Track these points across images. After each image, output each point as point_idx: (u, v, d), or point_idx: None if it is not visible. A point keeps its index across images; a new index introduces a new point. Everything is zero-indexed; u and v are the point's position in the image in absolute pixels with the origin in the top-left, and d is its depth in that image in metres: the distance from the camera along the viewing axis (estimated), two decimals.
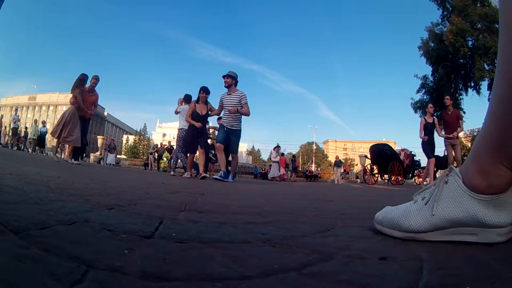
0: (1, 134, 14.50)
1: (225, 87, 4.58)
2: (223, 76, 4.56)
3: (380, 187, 5.73)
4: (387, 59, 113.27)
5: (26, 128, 13.83)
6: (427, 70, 15.55)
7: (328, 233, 0.73)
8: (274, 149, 13.16)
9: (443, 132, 5.66)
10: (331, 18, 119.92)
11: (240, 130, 4.60)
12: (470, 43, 13.27)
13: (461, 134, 5.14)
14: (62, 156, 5.97)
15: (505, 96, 0.54)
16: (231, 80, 4.52)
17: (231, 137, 4.56)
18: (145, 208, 0.99)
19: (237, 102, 4.44)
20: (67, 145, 5.56)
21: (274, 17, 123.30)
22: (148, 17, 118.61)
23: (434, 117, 5.87)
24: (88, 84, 5.54)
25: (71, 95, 5.31)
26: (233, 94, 4.49)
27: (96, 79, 5.67)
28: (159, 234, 0.62)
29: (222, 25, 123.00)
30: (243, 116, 4.57)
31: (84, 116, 5.47)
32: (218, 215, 0.97)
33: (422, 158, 9.55)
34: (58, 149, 6.01)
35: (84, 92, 5.43)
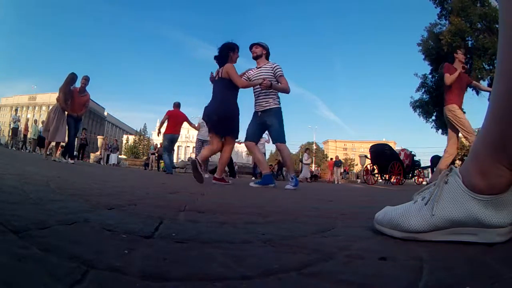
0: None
1: (253, 58, 3.47)
2: (250, 47, 3.47)
3: (380, 187, 5.73)
4: (387, 59, 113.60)
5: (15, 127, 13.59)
6: (427, 69, 15.54)
7: (328, 233, 0.73)
8: (305, 151, 14.56)
9: None
10: (331, 18, 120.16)
11: (279, 109, 3.34)
12: (470, 43, 13.22)
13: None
14: (56, 156, 5.97)
15: (505, 96, 0.54)
16: (261, 50, 3.43)
17: (267, 121, 3.33)
18: (145, 208, 0.99)
19: (270, 75, 3.28)
20: (53, 143, 5.58)
21: (274, 18, 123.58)
22: (148, 18, 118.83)
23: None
24: (78, 85, 5.54)
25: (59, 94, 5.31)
26: (264, 66, 3.38)
27: (86, 79, 5.66)
28: (159, 234, 0.62)
29: (222, 25, 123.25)
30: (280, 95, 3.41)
31: (74, 115, 5.47)
32: (218, 215, 0.97)
33: (422, 158, 9.60)
34: (48, 148, 6.01)
35: (74, 93, 5.43)
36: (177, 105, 6.65)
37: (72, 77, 5.39)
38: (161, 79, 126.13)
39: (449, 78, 3.94)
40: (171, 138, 6.54)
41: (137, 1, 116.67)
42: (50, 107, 5.75)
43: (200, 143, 6.88)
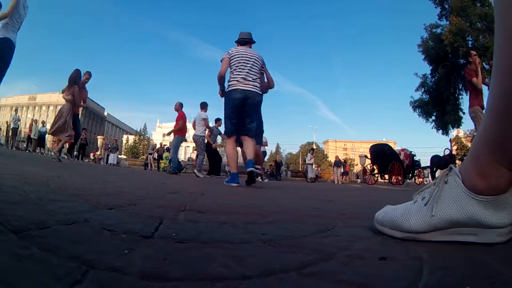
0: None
1: None
2: None
3: (380, 187, 5.73)
4: (387, 59, 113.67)
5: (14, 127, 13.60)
6: (427, 69, 15.55)
7: (328, 233, 0.73)
8: (309, 151, 15.01)
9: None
10: (331, 18, 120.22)
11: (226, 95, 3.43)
12: (470, 43, 13.22)
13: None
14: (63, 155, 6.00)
15: (502, 95, 0.53)
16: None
17: None
18: (145, 208, 0.99)
19: None
20: (57, 141, 5.63)
21: (275, 18, 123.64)
22: (149, 18, 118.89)
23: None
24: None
25: (67, 91, 5.33)
26: None
27: (90, 74, 5.74)
28: (159, 234, 0.62)
29: (223, 26, 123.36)
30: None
31: (75, 111, 5.54)
32: (218, 215, 0.97)
33: (422, 158, 9.60)
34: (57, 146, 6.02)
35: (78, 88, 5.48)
36: (181, 106, 6.86)
37: (79, 74, 5.46)
38: (161, 79, 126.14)
39: (479, 83, 4.37)
40: (183, 139, 6.91)
41: (137, 1, 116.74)
42: (59, 107, 5.76)
43: (202, 139, 6.94)
